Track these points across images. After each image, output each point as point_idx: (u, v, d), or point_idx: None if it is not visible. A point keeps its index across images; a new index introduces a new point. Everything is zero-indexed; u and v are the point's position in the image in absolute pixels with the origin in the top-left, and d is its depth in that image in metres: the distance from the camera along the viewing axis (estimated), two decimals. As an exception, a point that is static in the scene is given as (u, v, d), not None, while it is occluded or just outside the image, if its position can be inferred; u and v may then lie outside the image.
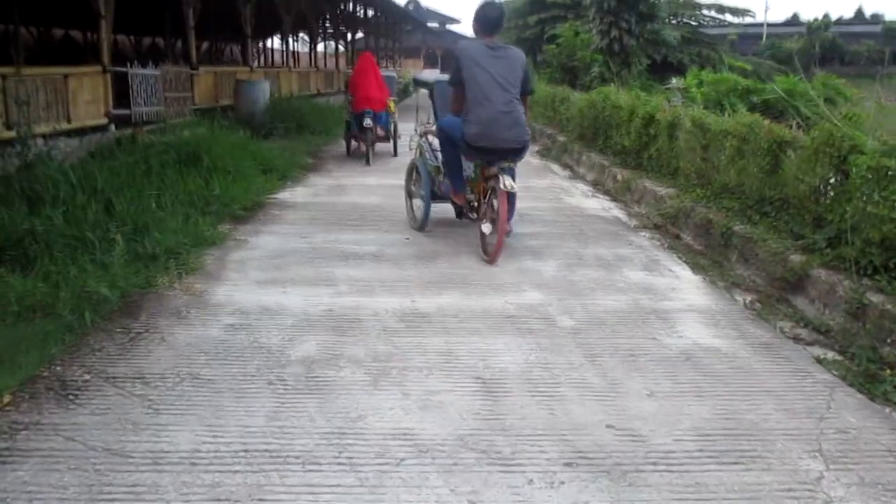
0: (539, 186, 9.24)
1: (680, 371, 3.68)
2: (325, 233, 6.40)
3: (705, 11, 23.75)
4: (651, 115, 8.96)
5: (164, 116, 12.37)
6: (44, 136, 9.15)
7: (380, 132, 11.27)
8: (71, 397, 3.26)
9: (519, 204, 7.88)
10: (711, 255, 6.14)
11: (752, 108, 10.48)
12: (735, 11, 23.01)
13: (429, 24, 42.42)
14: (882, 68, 46.19)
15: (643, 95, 9.88)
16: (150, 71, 12.20)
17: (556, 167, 11.49)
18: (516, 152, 5.73)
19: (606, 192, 9.25)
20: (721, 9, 23.52)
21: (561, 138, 13.08)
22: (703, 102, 10.27)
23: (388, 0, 26.71)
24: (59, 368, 3.56)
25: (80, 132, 10.09)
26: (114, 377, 3.46)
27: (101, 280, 4.60)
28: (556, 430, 3.06)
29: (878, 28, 50.46)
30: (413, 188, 6.93)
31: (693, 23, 23.29)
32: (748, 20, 26.65)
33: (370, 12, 29.86)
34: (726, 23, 24.21)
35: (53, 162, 8.28)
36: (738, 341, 4.11)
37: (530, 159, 12.06)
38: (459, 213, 6.67)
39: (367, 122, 10.85)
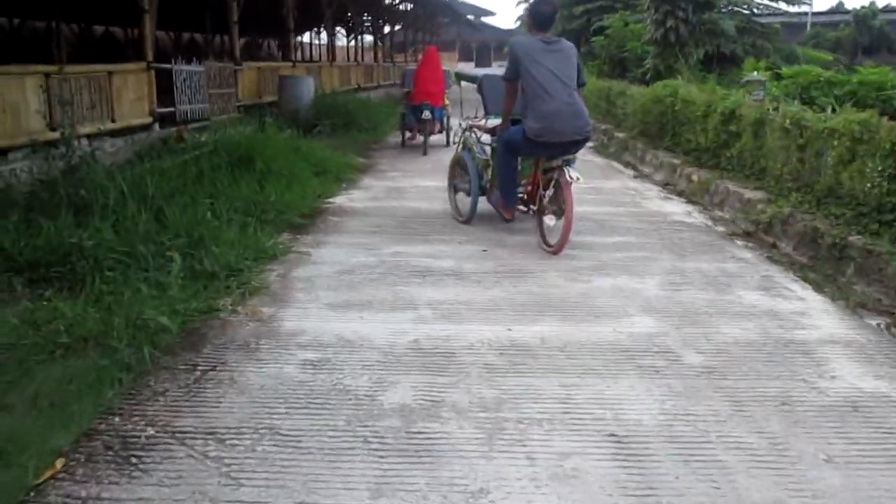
0: (609, 188, 8.58)
1: (852, 426, 3.04)
2: (393, 244, 5.82)
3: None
4: (732, 110, 8.25)
5: (209, 114, 11.94)
6: (88, 136, 8.73)
7: (436, 126, 11.71)
8: (134, 460, 2.72)
9: (594, 209, 7.31)
10: (821, 268, 5.46)
11: (836, 101, 9.69)
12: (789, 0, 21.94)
13: (467, 19, 41.72)
14: (932, 57, 44.46)
15: (719, 89, 9.14)
16: (194, 67, 11.75)
17: (618, 166, 10.81)
18: (579, 143, 5.70)
19: (680, 194, 8.57)
20: (774, -4, 22.44)
21: (619, 134, 12.39)
22: (783, 96, 9.50)
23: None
24: (117, 419, 3.03)
25: (125, 132, 9.67)
26: (182, 432, 2.92)
27: (158, 304, 4.08)
28: (728, 513, 2.45)
29: (928, 16, 48.53)
30: (457, 182, 6.85)
31: (745, 11, 22.28)
32: (803, 8, 25.53)
33: (408, 5, 29.26)
34: (781, 11, 23.12)
35: (99, 164, 7.87)
36: (905, 384, 3.45)
37: (592, 158, 11.41)
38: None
39: (426, 114, 11.30)
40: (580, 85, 5.72)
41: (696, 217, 7.12)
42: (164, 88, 11.24)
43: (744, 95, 8.56)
